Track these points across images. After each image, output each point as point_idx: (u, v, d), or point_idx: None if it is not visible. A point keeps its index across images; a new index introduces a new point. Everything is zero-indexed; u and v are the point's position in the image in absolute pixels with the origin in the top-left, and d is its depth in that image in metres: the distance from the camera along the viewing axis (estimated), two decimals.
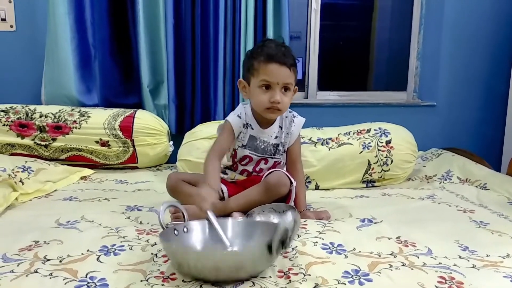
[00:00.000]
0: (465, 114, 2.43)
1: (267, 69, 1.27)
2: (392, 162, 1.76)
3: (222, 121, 1.45)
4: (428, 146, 2.23)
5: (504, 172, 1.85)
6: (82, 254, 0.98)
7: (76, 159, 1.89)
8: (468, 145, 2.27)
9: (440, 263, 0.97)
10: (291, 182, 1.29)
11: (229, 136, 1.37)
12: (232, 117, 1.38)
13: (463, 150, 2.07)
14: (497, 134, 2.41)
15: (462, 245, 1.09)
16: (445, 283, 0.87)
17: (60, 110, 1.90)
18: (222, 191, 1.36)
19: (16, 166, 1.58)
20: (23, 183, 1.51)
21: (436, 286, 0.86)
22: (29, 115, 1.87)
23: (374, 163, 1.75)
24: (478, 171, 1.80)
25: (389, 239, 1.11)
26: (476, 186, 1.70)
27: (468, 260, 1.00)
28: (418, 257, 1.00)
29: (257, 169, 1.41)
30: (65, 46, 2.00)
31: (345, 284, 0.86)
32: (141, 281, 0.87)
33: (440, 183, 1.78)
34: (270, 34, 2.04)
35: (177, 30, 2.02)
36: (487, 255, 1.03)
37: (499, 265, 0.98)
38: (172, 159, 2.03)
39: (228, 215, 1.25)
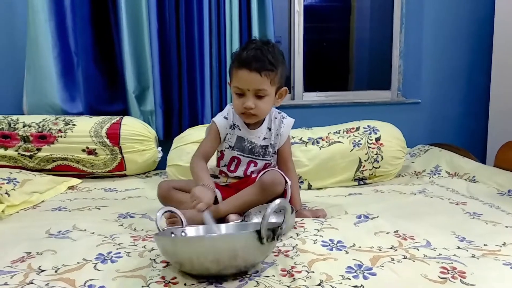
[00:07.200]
0: (449, 109, 2.49)
1: (238, 75, 1.26)
2: (382, 158, 1.77)
3: (209, 124, 1.44)
4: (415, 142, 2.25)
5: (490, 164, 1.89)
6: (78, 263, 0.95)
7: (62, 169, 1.85)
8: (453, 140, 2.31)
9: (440, 254, 0.97)
10: (286, 181, 1.28)
11: (215, 139, 1.36)
12: (218, 118, 1.37)
13: (449, 145, 2.10)
14: (480, 128, 2.46)
15: (459, 236, 1.10)
16: (448, 273, 0.88)
17: (44, 119, 1.85)
18: (216, 194, 1.35)
19: (1, 178, 1.53)
20: (9, 195, 1.46)
21: (439, 276, 0.86)
22: (12, 125, 1.82)
23: (365, 161, 1.76)
24: (466, 164, 1.83)
25: (387, 233, 1.11)
26: (465, 179, 1.72)
27: (467, 250, 1.01)
28: (418, 250, 1.00)
29: (247, 173, 1.39)
30: (46, 54, 1.96)
31: (350, 279, 0.86)
32: (142, 286, 0.84)
33: (430, 178, 1.80)
34: (255, 35, 2.04)
35: (161, 35, 2.01)
36: (484, 245, 1.04)
37: (497, 254, 0.99)
38: (161, 165, 2.01)
39: (224, 217, 1.24)
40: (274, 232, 0.85)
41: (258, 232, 0.83)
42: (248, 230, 0.88)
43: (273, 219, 1.20)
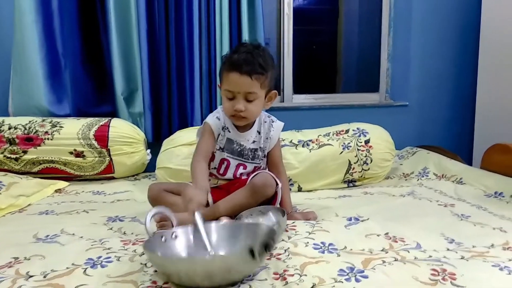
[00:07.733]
0: (436, 112, 2.52)
1: (228, 78, 1.27)
2: (371, 161, 1.79)
3: (201, 126, 1.44)
4: (403, 144, 2.27)
5: (476, 166, 1.91)
6: (67, 268, 0.93)
7: (49, 172, 1.81)
8: (440, 142, 2.34)
9: (430, 256, 0.98)
10: (277, 183, 1.29)
11: (210, 137, 1.35)
12: (211, 119, 1.37)
13: (436, 147, 2.12)
14: (467, 130, 2.50)
15: (448, 237, 1.11)
16: (438, 275, 0.89)
17: (30, 121, 1.82)
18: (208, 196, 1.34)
19: None
20: None
21: (430, 278, 0.87)
22: None
23: (354, 163, 1.77)
24: (453, 166, 1.85)
25: (378, 235, 1.12)
26: (453, 181, 1.74)
27: (456, 252, 1.02)
28: (408, 252, 1.01)
29: (237, 175, 1.40)
30: (33, 56, 1.92)
31: (342, 282, 0.86)
32: None
33: (418, 180, 1.82)
34: (245, 38, 2.04)
35: (150, 36, 1.99)
36: (473, 246, 1.05)
37: (485, 255, 1.00)
38: (150, 167, 1.99)
39: (215, 220, 1.23)
40: (267, 247, 0.85)
41: (251, 250, 0.82)
42: (240, 250, 0.88)
43: (260, 220, 1.20)
